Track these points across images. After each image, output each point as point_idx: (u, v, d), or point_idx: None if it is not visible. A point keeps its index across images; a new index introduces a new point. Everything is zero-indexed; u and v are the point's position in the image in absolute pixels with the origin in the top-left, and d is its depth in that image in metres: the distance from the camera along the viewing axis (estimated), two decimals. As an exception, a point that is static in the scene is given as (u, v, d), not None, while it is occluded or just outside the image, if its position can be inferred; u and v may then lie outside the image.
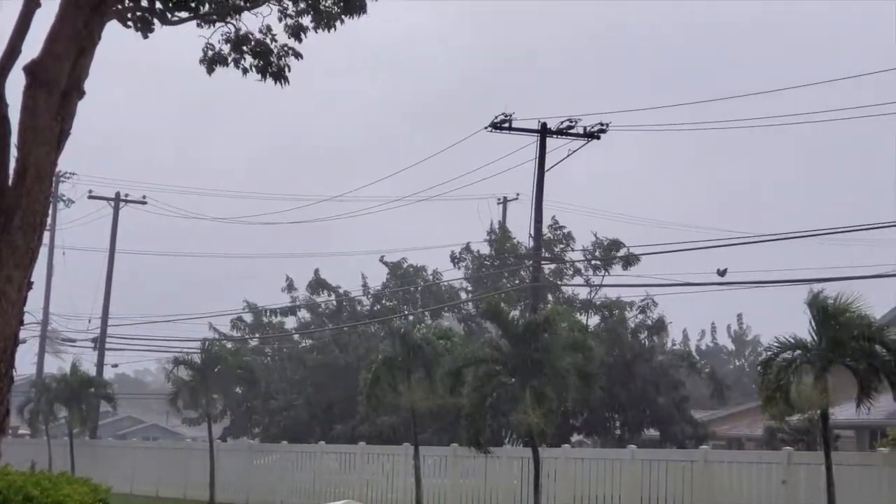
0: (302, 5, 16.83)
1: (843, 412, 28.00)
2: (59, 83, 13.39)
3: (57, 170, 14.44)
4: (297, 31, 16.92)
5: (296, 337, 59.29)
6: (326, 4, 16.83)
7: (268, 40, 16.85)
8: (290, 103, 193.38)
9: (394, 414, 42.89)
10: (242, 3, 16.67)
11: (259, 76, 16.93)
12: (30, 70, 13.39)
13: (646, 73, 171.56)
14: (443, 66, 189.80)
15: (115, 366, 73.76)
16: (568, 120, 41.47)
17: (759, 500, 27.96)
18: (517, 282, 49.44)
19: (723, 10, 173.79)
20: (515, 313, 39.60)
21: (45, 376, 62.44)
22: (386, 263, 55.87)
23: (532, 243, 42.69)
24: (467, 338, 43.47)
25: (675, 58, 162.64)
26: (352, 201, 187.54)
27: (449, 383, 29.97)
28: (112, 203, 65.39)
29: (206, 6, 16.07)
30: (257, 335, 59.23)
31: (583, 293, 49.40)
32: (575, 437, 46.42)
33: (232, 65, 16.92)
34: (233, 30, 16.84)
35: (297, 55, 17.00)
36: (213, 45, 16.95)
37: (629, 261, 45.84)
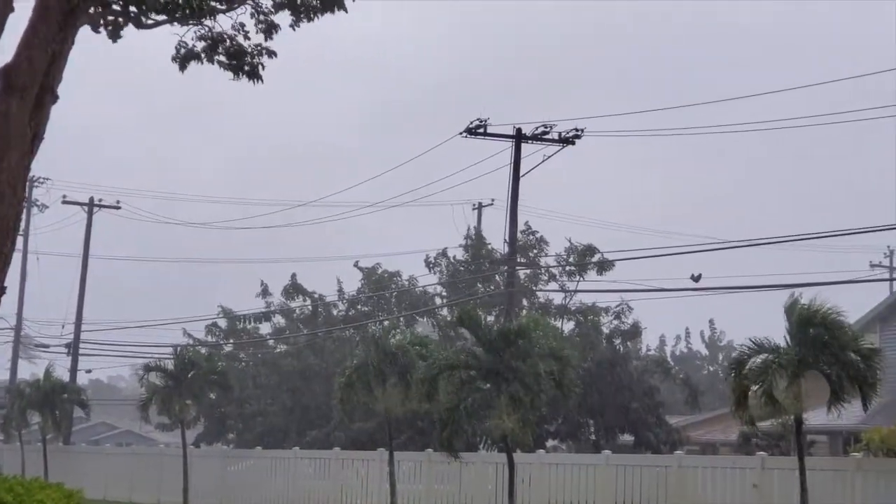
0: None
1: (817, 417, 28.11)
2: (32, 88, 13.37)
3: (30, 174, 14.40)
4: (269, 29, 16.89)
5: (271, 342, 59.20)
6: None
7: (241, 38, 16.81)
8: (267, 107, 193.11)
9: (369, 420, 42.85)
10: (218, 5, 16.64)
11: (232, 75, 16.89)
12: (3, 74, 13.36)
13: (626, 77, 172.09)
14: (422, 69, 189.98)
15: (89, 371, 73.70)
16: (543, 125, 41.51)
17: (733, 505, 28.05)
18: (492, 287, 49.48)
19: (692, 11, 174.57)
20: (490, 319, 39.63)
21: (18, 382, 62.09)
22: (360, 269, 55.83)
23: (507, 249, 42.73)
24: (442, 344, 43.47)
25: (650, 61, 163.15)
26: (329, 206, 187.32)
27: (424, 389, 29.93)
28: (86, 208, 65.21)
29: (181, 11, 16.04)
30: (232, 340, 59.09)
31: (558, 298, 49.58)
32: (550, 443, 46.50)
33: (205, 61, 16.87)
34: (208, 29, 16.80)
35: (271, 54, 16.99)
36: (186, 42, 16.91)
37: (603, 266, 46.03)
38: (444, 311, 52.03)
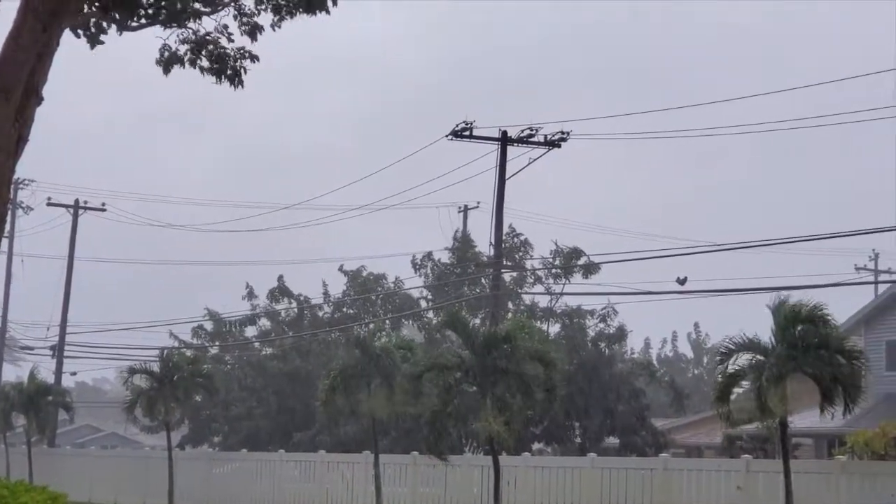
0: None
1: (803, 420, 28.17)
2: (16, 89, 13.33)
3: (15, 177, 14.36)
4: (252, 31, 16.86)
5: (256, 344, 59.15)
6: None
7: (223, 41, 16.77)
8: (251, 110, 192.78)
9: (354, 422, 42.83)
10: (202, 8, 16.61)
11: (214, 78, 16.85)
12: (-13, 76, 13.32)
13: (615, 80, 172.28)
14: (408, 72, 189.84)
15: (74, 374, 73.51)
16: (528, 128, 41.55)
17: (718, 508, 28.09)
18: (478, 290, 49.49)
19: (678, 12, 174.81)
20: (476, 321, 39.63)
21: (2, 384, 61.89)
22: (345, 272, 55.80)
23: (493, 251, 42.74)
24: (428, 346, 43.47)
25: (640, 63, 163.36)
26: (316, 209, 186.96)
27: (409, 388, 29.89)
28: (71, 210, 65.03)
29: (164, 13, 16.00)
30: (217, 343, 59.02)
31: (543, 301, 49.61)
32: (535, 446, 46.51)
33: (188, 65, 16.84)
34: (192, 32, 16.77)
35: (254, 58, 16.96)
36: (169, 45, 16.87)
37: (589, 269, 46.05)
38: (430, 315, 52.01)
